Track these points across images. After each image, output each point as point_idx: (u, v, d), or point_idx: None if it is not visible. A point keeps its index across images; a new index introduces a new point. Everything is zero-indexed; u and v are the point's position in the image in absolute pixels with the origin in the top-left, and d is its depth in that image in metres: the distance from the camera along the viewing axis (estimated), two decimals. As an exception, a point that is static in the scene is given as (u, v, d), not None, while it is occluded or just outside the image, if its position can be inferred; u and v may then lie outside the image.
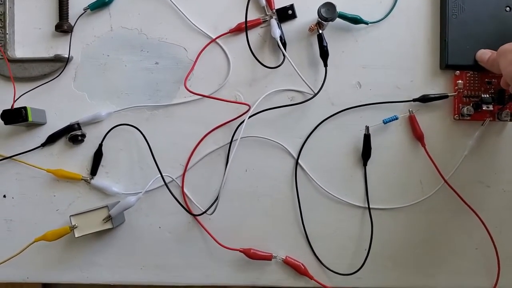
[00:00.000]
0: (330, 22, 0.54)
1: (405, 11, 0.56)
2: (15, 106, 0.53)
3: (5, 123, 0.53)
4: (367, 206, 0.56)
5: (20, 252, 0.53)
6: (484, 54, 0.52)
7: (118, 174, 0.57)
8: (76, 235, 0.52)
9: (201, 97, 0.56)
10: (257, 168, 0.56)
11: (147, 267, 0.57)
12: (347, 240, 0.56)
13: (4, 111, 0.53)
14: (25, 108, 0.52)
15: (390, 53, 0.56)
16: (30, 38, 0.57)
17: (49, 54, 0.57)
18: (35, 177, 0.57)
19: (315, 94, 0.54)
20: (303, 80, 0.54)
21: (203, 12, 0.57)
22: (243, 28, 0.55)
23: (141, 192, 0.53)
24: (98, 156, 0.56)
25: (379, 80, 0.56)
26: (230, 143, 0.56)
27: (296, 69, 0.53)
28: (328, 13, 0.52)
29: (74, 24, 0.56)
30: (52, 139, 0.56)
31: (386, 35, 0.56)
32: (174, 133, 0.57)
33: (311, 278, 0.55)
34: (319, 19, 0.53)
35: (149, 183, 0.54)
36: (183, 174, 0.56)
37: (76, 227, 0.52)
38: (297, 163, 0.56)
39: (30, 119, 0.53)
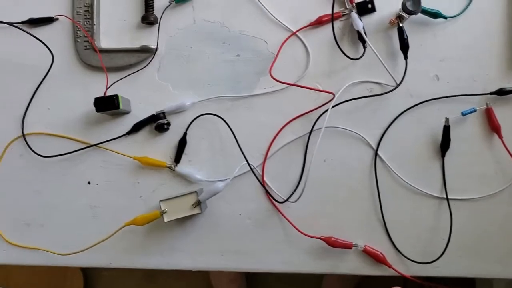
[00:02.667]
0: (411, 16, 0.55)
1: (481, 6, 0.57)
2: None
3: (97, 111, 0.54)
4: (444, 196, 0.57)
5: (110, 237, 0.54)
6: None
7: (200, 162, 0.58)
8: (166, 220, 0.53)
9: (280, 88, 0.57)
10: (335, 158, 0.58)
11: (227, 253, 0.58)
12: (424, 230, 0.57)
13: (97, 99, 0.54)
14: (116, 96, 0.54)
15: (466, 46, 0.57)
16: (115, 29, 0.59)
17: (134, 45, 0.58)
18: (120, 165, 0.58)
19: (397, 86, 0.55)
20: (387, 71, 0.55)
21: (283, 5, 0.58)
22: (323, 21, 0.57)
23: (229, 178, 0.55)
24: (182, 144, 0.57)
25: (456, 73, 0.57)
26: (310, 133, 0.57)
27: (380, 58, 0.54)
28: (413, 7, 0.53)
29: (161, 16, 0.58)
30: (137, 128, 0.58)
31: (463, 29, 0.58)
32: (254, 123, 0.58)
33: (389, 266, 0.56)
34: (402, 12, 0.54)
35: (236, 170, 0.55)
36: (263, 163, 0.57)
37: (166, 212, 0.54)
38: (376, 153, 0.57)
39: (120, 106, 0.54)
